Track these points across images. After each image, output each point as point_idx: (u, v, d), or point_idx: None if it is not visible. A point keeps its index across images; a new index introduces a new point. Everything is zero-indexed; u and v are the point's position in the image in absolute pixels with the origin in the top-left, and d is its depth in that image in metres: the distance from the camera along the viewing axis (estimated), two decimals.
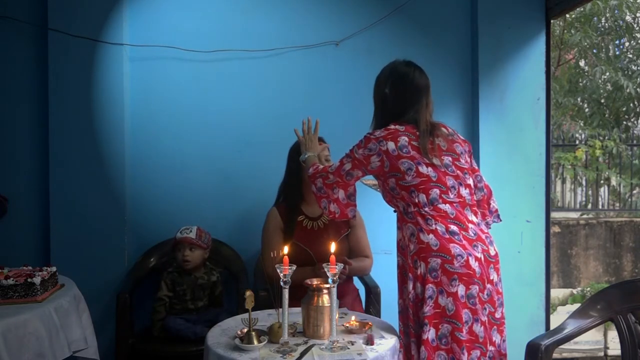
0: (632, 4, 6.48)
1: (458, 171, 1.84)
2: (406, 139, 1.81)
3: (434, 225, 1.74)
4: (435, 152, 1.83)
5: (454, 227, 1.75)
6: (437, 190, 1.78)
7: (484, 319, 1.75)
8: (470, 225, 1.78)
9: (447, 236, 1.73)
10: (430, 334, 1.69)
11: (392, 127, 1.85)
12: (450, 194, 1.79)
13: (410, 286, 1.75)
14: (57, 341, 1.86)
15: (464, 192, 1.83)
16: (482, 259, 1.76)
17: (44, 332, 1.80)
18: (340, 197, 1.94)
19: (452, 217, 1.76)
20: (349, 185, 1.94)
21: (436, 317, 1.70)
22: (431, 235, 1.73)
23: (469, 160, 1.93)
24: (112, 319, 2.62)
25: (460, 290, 1.70)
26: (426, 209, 1.76)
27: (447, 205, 1.77)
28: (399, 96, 1.90)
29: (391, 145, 1.80)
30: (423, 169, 1.78)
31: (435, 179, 1.79)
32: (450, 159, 1.85)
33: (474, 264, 1.72)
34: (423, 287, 1.72)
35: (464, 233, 1.75)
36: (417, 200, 1.77)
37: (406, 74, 1.92)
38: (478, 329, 1.72)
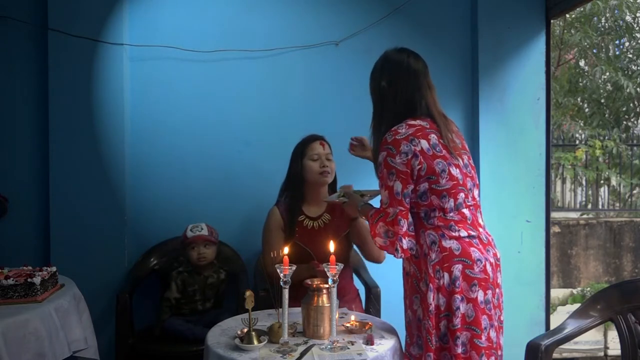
0: (632, 4, 6.48)
1: (473, 171, 1.79)
2: (435, 136, 1.71)
3: (456, 232, 1.68)
4: (458, 151, 1.75)
5: (472, 232, 1.70)
6: (462, 195, 1.70)
7: (496, 324, 1.72)
8: (480, 230, 1.75)
9: (468, 240, 1.68)
10: (460, 346, 1.64)
11: (414, 122, 1.73)
12: (469, 197, 1.73)
13: (431, 297, 1.66)
14: (57, 341, 1.86)
15: (476, 193, 1.78)
16: (494, 263, 1.73)
17: (44, 332, 1.80)
18: (406, 229, 1.69)
19: (469, 222, 1.71)
20: (409, 211, 1.71)
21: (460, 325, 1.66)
22: (453, 241, 1.67)
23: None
24: (112, 319, 2.62)
25: (480, 295, 1.66)
26: (451, 214, 1.69)
27: (467, 209, 1.72)
28: (398, 85, 1.77)
29: (424, 143, 1.69)
30: (453, 171, 1.70)
31: (461, 182, 1.71)
32: (466, 158, 1.78)
33: (489, 269, 1.69)
34: (447, 299, 1.66)
35: (480, 237, 1.72)
36: (446, 206, 1.68)
37: (400, 61, 1.80)
38: (493, 334, 1.69)
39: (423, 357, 1.68)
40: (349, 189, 2.11)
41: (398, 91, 1.78)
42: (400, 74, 1.79)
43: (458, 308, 1.65)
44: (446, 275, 1.66)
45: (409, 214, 1.70)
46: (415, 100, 1.77)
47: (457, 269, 1.66)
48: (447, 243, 1.68)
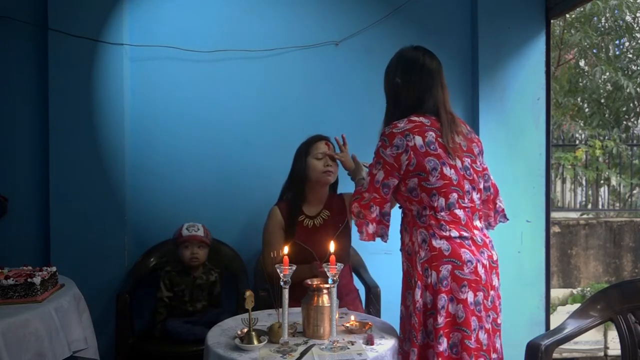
0: (632, 4, 6.48)
1: (474, 174, 1.78)
2: (433, 134, 1.73)
3: (447, 232, 1.69)
4: (458, 152, 1.75)
5: (464, 233, 1.71)
6: (455, 195, 1.71)
7: (488, 326, 1.72)
8: (475, 232, 1.75)
9: (459, 241, 1.69)
10: (444, 344, 1.65)
11: (416, 119, 1.76)
12: (465, 199, 1.73)
13: (418, 294, 1.69)
14: (57, 341, 1.86)
15: (476, 197, 1.78)
16: (487, 265, 1.73)
17: (44, 332, 1.80)
18: (376, 216, 1.77)
19: (463, 223, 1.72)
20: (386, 201, 1.77)
21: (447, 326, 1.66)
22: (443, 241, 1.69)
23: (482, 160, 1.87)
24: (112, 319, 2.62)
25: (470, 297, 1.67)
26: (442, 213, 1.70)
27: (461, 210, 1.72)
28: (411, 83, 1.80)
29: (419, 140, 1.71)
30: (447, 170, 1.71)
31: (456, 183, 1.72)
32: (469, 160, 1.78)
33: (481, 271, 1.70)
34: (434, 297, 1.67)
35: (473, 239, 1.72)
36: (435, 205, 1.70)
37: (415, 58, 1.83)
38: (482, 336, 1.69)
39: (410, 352, 1.70)
40: None
41: (411, 88, 1.81)
42: (415, 71, 1.81)
43: (443, 307, 1.66)
44: (434, 274, 1.68)
45: (385, 204, 1.77)
46: (424, 98, 1.79)
47: (446, 269, 1.67)
48: (437, 243, 1.69)
